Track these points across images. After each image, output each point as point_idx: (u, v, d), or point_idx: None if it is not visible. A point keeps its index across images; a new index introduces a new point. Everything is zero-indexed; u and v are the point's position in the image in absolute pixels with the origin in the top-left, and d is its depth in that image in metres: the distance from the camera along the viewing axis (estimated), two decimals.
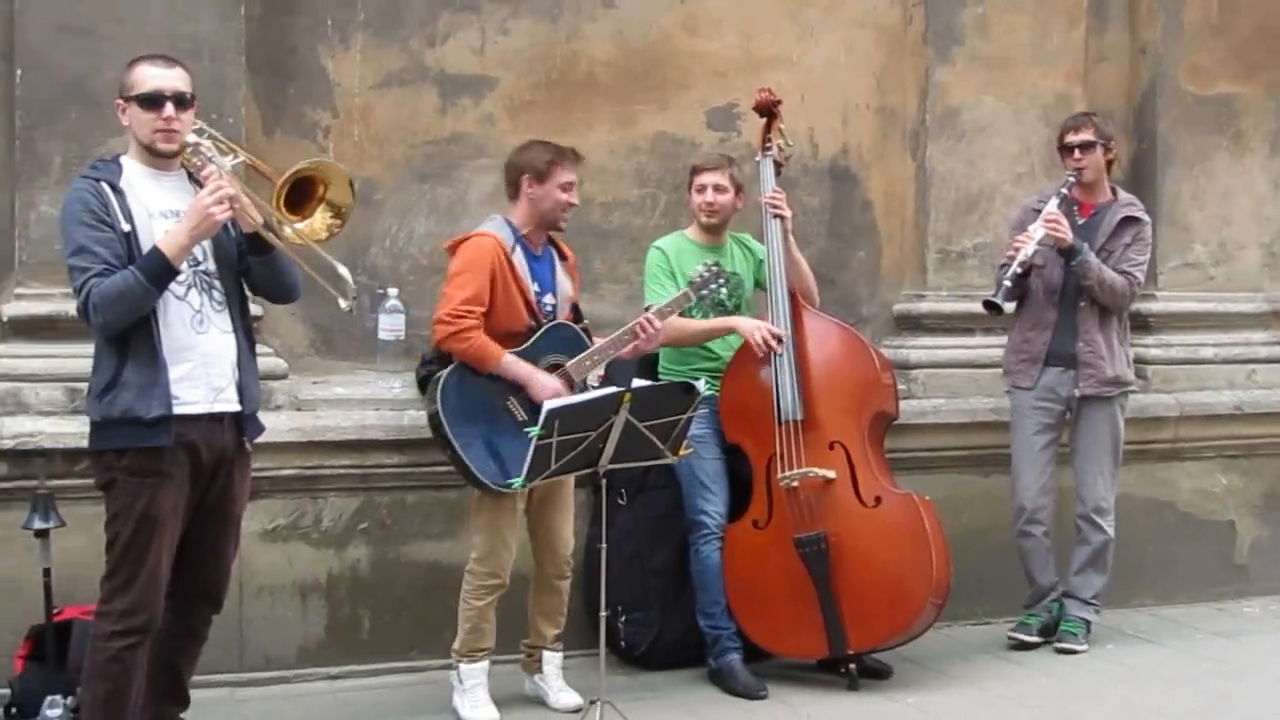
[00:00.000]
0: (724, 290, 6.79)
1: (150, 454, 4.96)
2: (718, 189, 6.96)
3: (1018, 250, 7.11)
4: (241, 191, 5.04)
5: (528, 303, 6.36)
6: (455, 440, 6.16)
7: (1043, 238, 7.11)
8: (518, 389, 6.25)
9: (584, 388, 6.29)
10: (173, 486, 5.01)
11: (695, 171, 7.07)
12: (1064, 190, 7.30)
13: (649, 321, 6.40)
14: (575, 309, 6.62)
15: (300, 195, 5.09)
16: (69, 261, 4.92)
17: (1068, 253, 7.16)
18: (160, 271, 4.86)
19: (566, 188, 6.44)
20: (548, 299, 6.49)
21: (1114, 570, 7.63)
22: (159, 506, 4.97)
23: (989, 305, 7.17)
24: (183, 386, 4.99)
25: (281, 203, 5.06)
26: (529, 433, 5.52)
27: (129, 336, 4.92)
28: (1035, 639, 7.50)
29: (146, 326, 4.93)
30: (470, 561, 6.42)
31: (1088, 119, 7.53)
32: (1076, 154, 7.39)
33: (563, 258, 6.65)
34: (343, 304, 5.24)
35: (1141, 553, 8.31)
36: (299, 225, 5.10)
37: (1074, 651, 7.41)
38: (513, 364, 6.23)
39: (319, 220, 5.12)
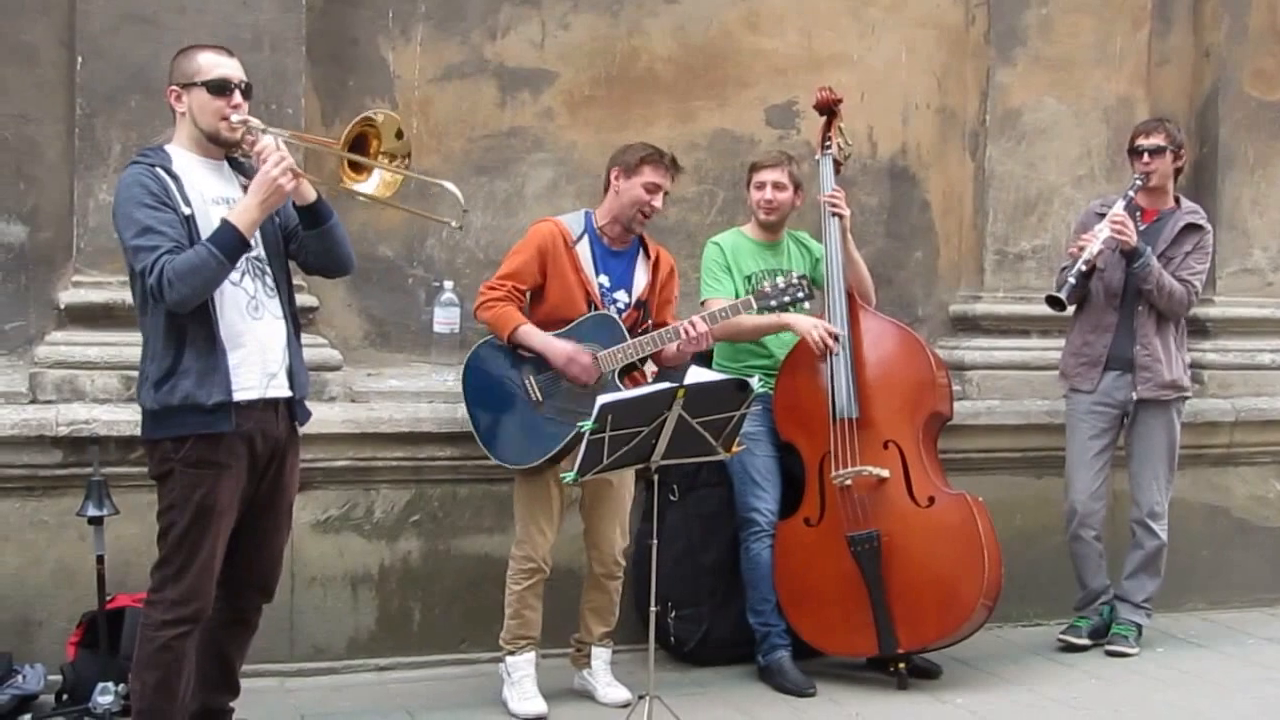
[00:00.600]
0: (793, 307, 6.74)
1: (209, 444, 4.94)
2: (777, 186, 6.95)
3: (1081, 249, 7.09)
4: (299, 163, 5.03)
5: (588, 294, 6.37)
6: (471, 418, 6.32)
7: (1107, 238, 7.08)
8: (539, 369, 6.29)
9: (612, 381, 6.26)
10: (230, 477, 5.00)
11: (754, 169, 7.06)
12: (1130, 193, 7.26)
13: (693, 325, 6.35)
14: (641, 306, 6.55)
15: (360, 154, 5.07)
16: (133, 243, 4.84)
17: (1130, 255, 7.13)
18: (234, 245, 4.83)
19: (651, 188, 6.41)
20: (620, 294, 6.48)
21: (1167, 574, 7.61)
22: (216, 497, 4.97)
23: (1052, 300, 7.16)
24: (239, 373, 4.98)
25: (346, 166, 5.04)
26: (581, 426, 5.50)
27: (187, 324, 4.89)
28: (1085, 641, 7.48)
29: (205, 313, 4.91)
30: (512, 546, 6.48)
31: (1160, 124, 7.49)
32: (1146, 158, 7.34)
33: (647, 256, 6.62)
34: (453, 224, 5.48)
35: (1195, 557, 8.28)
36: (378, 175, 5.06)
37: (1125, 654, 7.39)
38: (529, 333, 6.26)
39: (387, 171, 5.09)
